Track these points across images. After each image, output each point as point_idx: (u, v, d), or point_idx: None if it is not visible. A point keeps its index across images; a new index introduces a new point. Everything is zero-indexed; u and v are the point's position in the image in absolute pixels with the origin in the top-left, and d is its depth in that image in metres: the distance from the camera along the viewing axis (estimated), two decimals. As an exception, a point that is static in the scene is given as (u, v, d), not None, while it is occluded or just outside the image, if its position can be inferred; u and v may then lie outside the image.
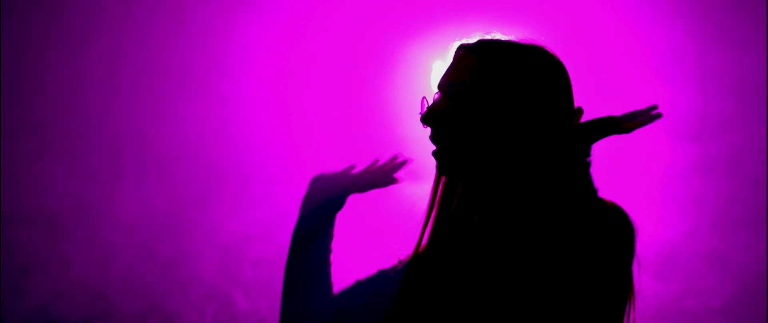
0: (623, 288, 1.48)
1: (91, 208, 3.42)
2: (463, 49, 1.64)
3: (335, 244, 1.99)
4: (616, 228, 1.46)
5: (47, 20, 3.42)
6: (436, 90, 1.65)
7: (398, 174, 1.97)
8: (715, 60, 3.53)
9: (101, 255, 3.43)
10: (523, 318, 1.43)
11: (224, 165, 3.53)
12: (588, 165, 1.57)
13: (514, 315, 1.44)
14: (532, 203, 1.51)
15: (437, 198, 1.72)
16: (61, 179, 3.42)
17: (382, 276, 1.82)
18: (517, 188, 1.55)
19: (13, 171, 3.39)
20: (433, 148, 1.63)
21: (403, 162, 1.98)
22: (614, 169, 3.50)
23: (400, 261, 1.76)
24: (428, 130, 1.63)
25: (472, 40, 1.65)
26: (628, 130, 1.64)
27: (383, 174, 1.97)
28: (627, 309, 1.53)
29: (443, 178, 1.71)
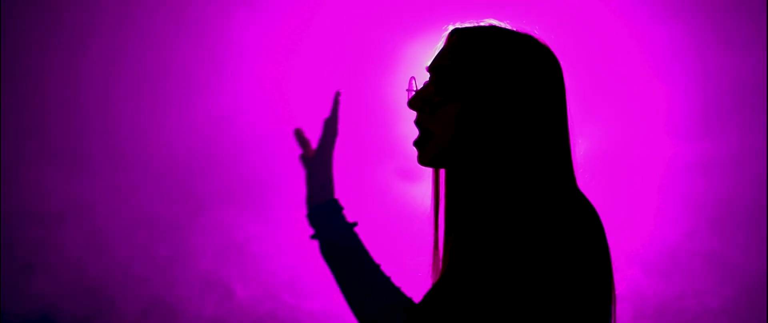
0: (592, 288, 1.45)
1: (91, 208, 3.42)
2: (452, 32, 1.63)
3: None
4: (577, 228, 1.43)
5: (46, 20, 3.42)
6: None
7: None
8: (716, 59, 3.53)
9: (102, 255, 3.43)
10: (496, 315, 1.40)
11: (224, 165, 3.52)
12: (565, 159, 1.54)
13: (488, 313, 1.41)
14: (500, 198, 1.47)
15: (441, 197, 1.69)
16: (61, 179, 3.42)
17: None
18: (489, 182, 1.52)
19: (13, 171, 3.39)
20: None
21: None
22: (614, 169, 3.50)
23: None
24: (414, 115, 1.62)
25: (463, 24, 1.64)
26: None
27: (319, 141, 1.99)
28: (609, 309, 1.51)
29: (442, 173, 1.68)
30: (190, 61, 3.49)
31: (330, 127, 2.03)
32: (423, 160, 1.60)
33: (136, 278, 3.45)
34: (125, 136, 3.47)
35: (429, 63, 1.64)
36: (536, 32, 1.62)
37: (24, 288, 3.37)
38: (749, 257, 3.49)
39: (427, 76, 1.64)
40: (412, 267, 1.75)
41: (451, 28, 1.66)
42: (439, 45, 1.65)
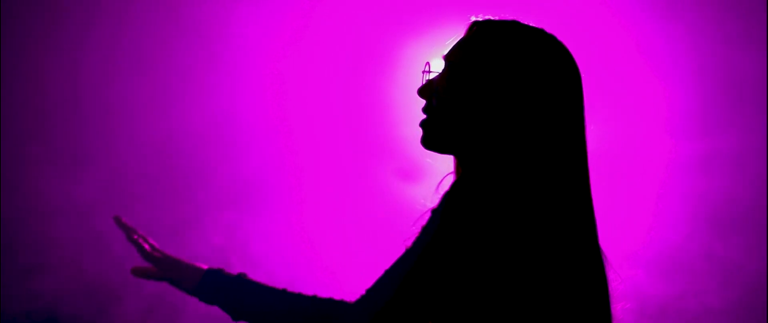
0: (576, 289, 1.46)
1: (91, 208, 3.42)
2: (473, 24, 1.61)
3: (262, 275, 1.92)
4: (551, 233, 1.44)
5: (46, 20, 3.42)
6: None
7: None
8: (716, 59, 3.53)
9: (102, 255, 3.43)
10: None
11: (225, 166, 3.52)
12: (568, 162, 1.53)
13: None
14: (488, 191, 1.46)
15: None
16: (61, 179, 3.42)
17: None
18: (482, 174, 1.50)
19: (13, 171, 3.39)
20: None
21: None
22: (614, 169, 3.50)
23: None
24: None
25: (483, 17, 1.62)
26: None
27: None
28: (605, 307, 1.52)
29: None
30: (191, 61, 3.49)
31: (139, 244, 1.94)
32: (425, 143, 1.60)
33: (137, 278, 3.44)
34: (125, 136, 3.47)
35: (445, 52, 1.62)
36: (559, 35, 1.59)
37: (24, 289, 3.36)
38: (750, 257, 3.49)
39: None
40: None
41: (472, 19, 1.63)
42: (458, 36, 1.63)
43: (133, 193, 3.46)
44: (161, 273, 1.88)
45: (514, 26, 1.58)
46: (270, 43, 3.53)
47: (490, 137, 1.52)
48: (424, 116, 1.59)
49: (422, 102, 1.62)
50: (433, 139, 1.58)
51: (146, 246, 1.91)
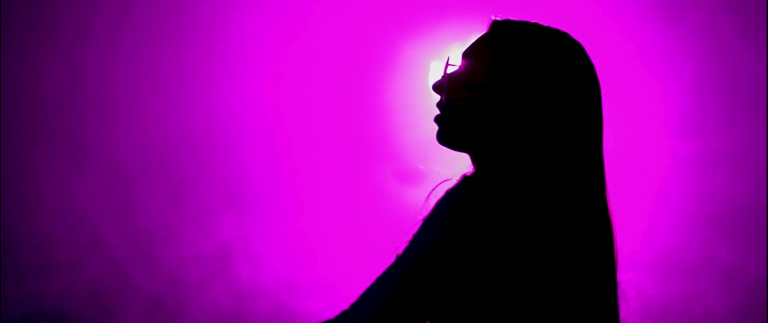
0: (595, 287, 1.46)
1: (92, 210, 3.42)
2: (493, 23, 1.59)
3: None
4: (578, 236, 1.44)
5: (46, 20, 3.42)
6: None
7: None
8: (715, 59, 3.53)
9: (102, 255, 3.43)
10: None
11: (225, 167, 3.53)
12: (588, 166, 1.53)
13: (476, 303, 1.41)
14: (505, 191, 1.46)
15: None
16: (61, 180, 3.42)
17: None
18: (499, 174, 1.50)
19: (13, 172, 3.39)
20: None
21: None
22: (614, 169, 3.49)
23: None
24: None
25: (504, 18, 1.60)
26: None
27: None
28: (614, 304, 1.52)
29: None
30: (191, 63, 3.49)
31: None
32: (441, 139, 1.58)
33: (138, 279, 3.45)
34: (125, 136, 3.47)
35: (465, 49, 1.61)
36: (580, 38, 1.58)
37: (24, 289, 3.37)
38: (750, 259, 3.49)
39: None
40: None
41: (493, 18, 1.61)
42: (478, 35, 1.62)
43: (134, 194, 3.46)
44: None
45: (535, 28, 1.58)
46: (270, 44, 3.54)
47: (511, 138, 1.51)
48: (437, 112, 1.58)
49: (426, 101, 1.61)
50: (449, 136, 1.57)
51: None
